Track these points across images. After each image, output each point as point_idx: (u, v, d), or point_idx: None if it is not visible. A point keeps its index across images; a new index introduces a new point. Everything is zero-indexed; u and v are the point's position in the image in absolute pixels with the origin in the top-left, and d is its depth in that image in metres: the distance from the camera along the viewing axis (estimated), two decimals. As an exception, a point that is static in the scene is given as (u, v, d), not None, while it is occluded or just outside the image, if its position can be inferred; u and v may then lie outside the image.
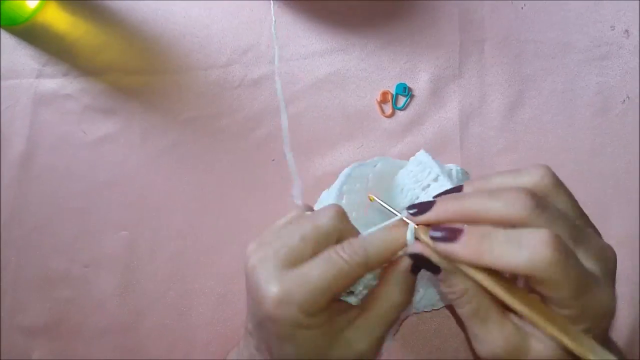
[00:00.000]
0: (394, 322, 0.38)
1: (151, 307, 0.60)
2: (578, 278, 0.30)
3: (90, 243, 0.62)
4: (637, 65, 0.57)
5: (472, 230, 0.33)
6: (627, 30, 0.58)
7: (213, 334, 0.58)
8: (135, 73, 0.65)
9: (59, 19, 0.68)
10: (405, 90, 0.60)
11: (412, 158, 0.51)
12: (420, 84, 0.60)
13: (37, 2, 0.67)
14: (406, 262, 0.37)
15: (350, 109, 0.61)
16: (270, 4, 0.64)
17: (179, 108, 0.64)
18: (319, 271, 0.35)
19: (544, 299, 0.32)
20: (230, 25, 0.65)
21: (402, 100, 0.60)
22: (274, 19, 0.63)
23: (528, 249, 0.30)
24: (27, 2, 0.67)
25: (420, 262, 0.36)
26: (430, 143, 0.59)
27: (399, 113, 0.60)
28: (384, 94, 0.60)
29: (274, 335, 0.36)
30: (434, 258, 0.35)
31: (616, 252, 0.36)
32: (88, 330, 0.60)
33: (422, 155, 0.50)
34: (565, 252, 0.30)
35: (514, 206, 0.32)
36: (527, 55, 0.59)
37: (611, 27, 0.59)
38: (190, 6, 0.66)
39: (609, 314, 0.32)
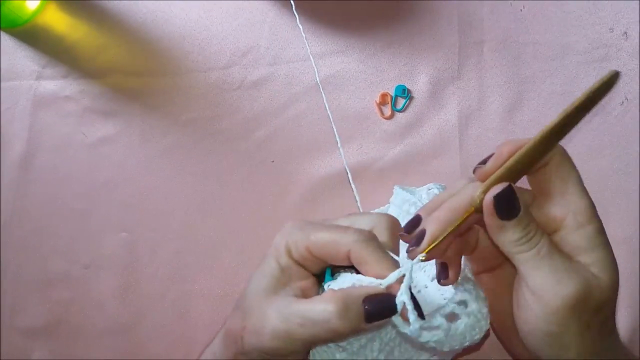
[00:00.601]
0: (314, 338, 0.36)
1: (151, 308, 0.60)
2: None
3: (90, 244, 0.62)
4: (636, 66, 0.57)
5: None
6: (625, 33, 0.58)
7: (213, 334, 0.57)
8: (135, 75, 0.65)
9: (58, 21, 0.68)
10: (404, 92, 0.60)
11: (391, 199, 0.51)
12: (419, 85, 0.60)
13: (37, 3, 0.68)
14: (362, 292, 0.36)
15: (350, 110, 0.61)
16: (291, 3, 0.64)
17: (179, 110, 0.64)
18: (318, 224, 0.38)
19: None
20: (229, 27, 0.65)
21: (401, 102, 0.60)
22: (296, 16, 0.63)
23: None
24: (27, 4, 0.67)
25: (502, 201, 0.36)
26: (429, 145, 0.59)
27: (398, 115, 0.60)
28: (383, 95, 0.61)
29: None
30: (518, 199, 0.36)
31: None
32: (88, 331, 0.60)
33: (399, 193, 0.50)
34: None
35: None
36: (526, 57, 0.59)
37: (610, 29, 0.59)
38: (189, 8, 0.66)
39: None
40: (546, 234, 0.36)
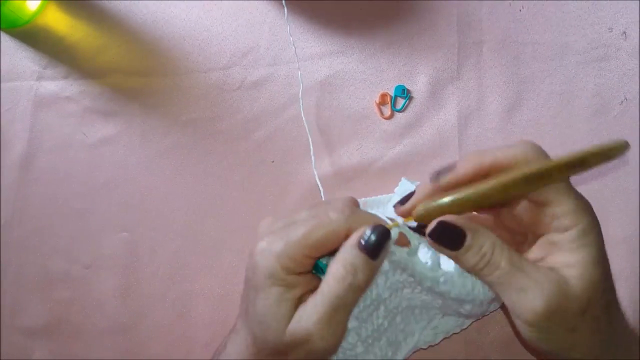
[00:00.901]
0: (343, 302, 0.37)
1: (151, 308, 0.60)
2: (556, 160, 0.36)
3: (90, 244, 0.62)
4: (635, 66, 0.57)
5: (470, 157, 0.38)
6: (625, 32, 0.58)
7: (213, 334, 0.58)
8: (135, 75, 0.66)
9: (59, 21, 0.68)
10: (404, 92, 0.60)
11: (396, 189, 0.51)
12: (419, 85, 0.61)
13: (38, 4, 0.68)
14: (353, 239, 0.37)
15: (349, 110, 0.61)
16: (282, 3, 0.64)
17: (179, 110, 0.64)
18: (302, 227, 0.38)
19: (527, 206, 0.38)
20: (229, 28, 0.65)
21: (400, 102, 0.61)
22: (285, 13, 0.63)
23: (519, 144, 0.37)
24: (27, 4, 0.67)
25: (441, 236, 0.37)
26: (429, 145, 0.59)
27: (397, 115, 0.61)
28: (383, 95, 0.61)
29: (252, 288, 0.39)
30: (460, 222, 0.37)
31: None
32: (88, 331, 0.61)
33: (404, 184, 0.51)
34: (545, 153, 0.37)
35: (524, 148, 0.37)
36: (525, 57, 0.59)
37: (609, 29, 0.59)
38: (190, 8, 0.67)
39: (588, 205, 0.37)
40: (510, 248, 0.37)
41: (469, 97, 0.60)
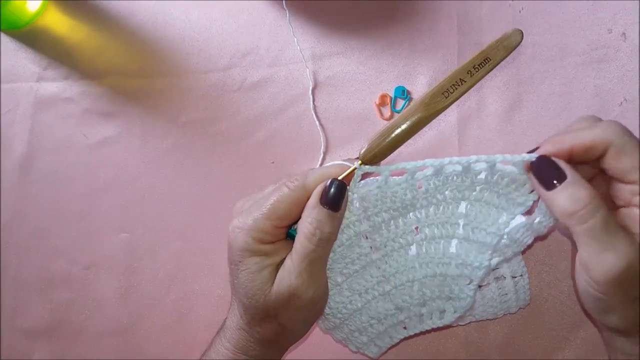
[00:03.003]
0: (316, 255, 0.40)
1: (151, 309, 0.60)
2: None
3: (90, 245, 0.62)
4: (635, 67, 0.57)
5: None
6: (624, 33, 0.58)
7: (213, 335, 0.58)
8: (135, 76, 0.66)
9: (59, 23, 0.68)
10: (403, 93, 0.60)
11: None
12: (418, 86, 0.61)
13: (38, 5, 0.68)
14: (314, 199, 0.40)
15: (349, 112, 0.61)
16: (283, 3, 0.64)
17: (179, 111, 0.64)
18: (267, 201, 0.41)
19: (609, 177, 0.40)
20: (229, 29, 0.65)
21: (400, 103, 0.61)
22: (287, 15, 0.63)
23: (603, 125, 0.39)
24: (27, 5, 0.67)
25: (541, 170, 0.40)
26: (429, 146, 0.59)
27: (397, 116, 0.60)
28: (383, 97, 0.61)
29: (233, 264, 0.42)
30: (562, 164, 0.39)
31: None
32: (88, 331, 0.61)
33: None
34: (630, 133, 0.38)
35: (608, 129, 0.38)
36: (525, 58, 0.59)
37: (608, 30, 0.59)
38: (190, 10, 0.66)
39: None
40: (607, 207, 0.38)
41: (468, 98, 0.60)
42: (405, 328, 0.50)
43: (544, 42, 0.60)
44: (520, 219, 0.45)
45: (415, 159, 0.58)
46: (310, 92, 0.61)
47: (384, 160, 0.43)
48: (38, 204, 0.64)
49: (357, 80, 0.62)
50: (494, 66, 0.41)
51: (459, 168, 0.43)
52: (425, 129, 0.59)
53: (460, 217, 0.46)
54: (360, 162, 0.41)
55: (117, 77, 0.66)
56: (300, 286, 0.40)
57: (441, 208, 0.46)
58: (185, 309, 0.59)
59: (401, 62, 0.62)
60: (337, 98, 0.62)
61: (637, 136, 0.56)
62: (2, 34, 0.69)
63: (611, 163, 0.39)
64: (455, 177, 0.43)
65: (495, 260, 0.46)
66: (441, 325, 0.50)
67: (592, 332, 0.53)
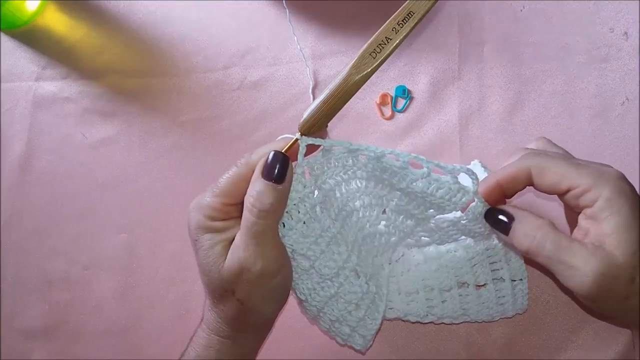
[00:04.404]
0: (260, 227, 0.41)
1: (150, 309, 0.60)
2: (565, 157, 0.42)
3: (89, 245, 0.62)
4: (636, 67, 0.57)
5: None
6: (626, 33, 0.58)
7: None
8: (134, 76, 0.65)
9: (58, 22, 0.68)
10: (404, 93, 0.60)
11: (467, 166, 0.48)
12: (419, 86, 0.60)
13: (37, 5, 0.68)
14: (256, 172, 0.41)
15: (350, 111, 0.61)
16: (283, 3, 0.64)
17: (178, 110, 0.64)
18: (221, 179, 0.43)
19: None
20: (229, 28, 0.65)
21: (401, 103, 0.60)
22: (287, 14, 0.63)
23: (520, 153, 0.43)
24: (26, 5, 0.67)
25: (493, 221, 0.43)
26: (430, 145, 0.59)
27: (398, 115, 0.60)
28: (383, 96, 0.60)
29: (192, 243, 0.43)
30: (507, 208, 0.42)
31: None
32: (87, 332, 0.60)
33: (476, 166, 0.53)
34: (548, 148, 0.44)
35: (525, 155, 0.42)
36: (526, 57, 0.59)
37: (610, 29, 0.59)
38: (189, 9, 0.66)
39: (611, 174, 0.39)
40: (555, 229, 0.40)
41: (470, 97, 0.59)
42: (380, 301, 0.49)
43: (545, 41, 0.59)
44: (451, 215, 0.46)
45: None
46: (310, 91, 0.61)
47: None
48: (37, 203, 0.64)
49: (358, 80, 0.62)
50: (419, 20, 0.40)
51: (396, 164, 0.43)
52: (426, 128, 0.60)
53: (393, 198, 0.47)
54: (299, 133, 0.42)
55: (116, 77, 0.66)
56: (247, 259, 0.41)
57: (379, 186, 0.46)
58: (184, 309, 0.59)
59: (402, 61, 0.61)
60: (337, 97, 0.61)
61: (638, 136, 0.56)
62: (1, 33, 0.69)
63: (540, 183, 0.41)
64: (391, 172, 0.44)
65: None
66: (385, 278, 0.50)
67: (594, 334, 0.52)
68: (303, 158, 0.42)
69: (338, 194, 0.46)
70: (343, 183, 0.46)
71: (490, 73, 0.60)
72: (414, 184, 0.43)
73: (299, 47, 0.61)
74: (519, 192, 0.43)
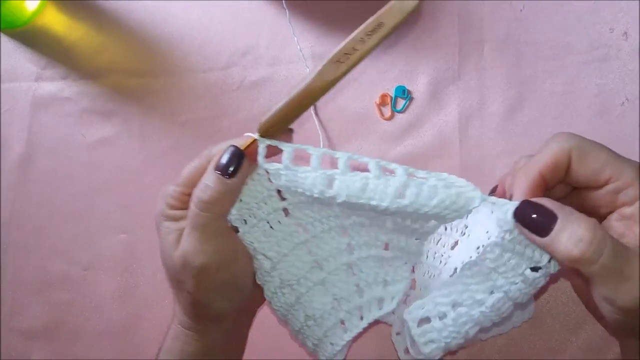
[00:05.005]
0: (200, 220, 0.40)
1: (150, 310, 0.60)
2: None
3: (89, 246, 0.62)
4: (636, 67, 0.57)
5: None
6: (626, 33, 0.58)
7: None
8: (134, 75, 0.65)
9: (57, 22, 0.68)
10: (404, 93, 0.60)
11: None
12: (419, 86, 0.60)
13: (36, 5, 0.67)
14: (211, 164, 0.41)
15: (349, 111, 0.61)
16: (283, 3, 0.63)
17: (178, 110, 0.64)
18: (184, 169, 0.43)
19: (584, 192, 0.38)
20: (229, 28, 0.65)
21: (401, 103, 0.60)
22: (287, 14, 0.63)
23: (555, 138, 0.38)
24: (26, 5, 0.67)
25: (527, 219, 0.35)
26: (430, 146, 0.59)
27: (398, 116, 0.60)
28: (383, 96, 0.60)
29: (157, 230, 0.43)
30: (546, 203, 0.35)
31: None
32: (87, 332, 0.60)
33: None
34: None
35: (563, 138, 0.38)
36: (526, 57, 0.59)
37: (610, 29, 0.58)
38: (189, 8, 0.66)
39: None
40: (609, 234, 0.34)
41: (470, 97, 0.59)
42: (345, 329, 0.45)
43: (546, 41, 0.59)
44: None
45: (416, 160, 0.58)
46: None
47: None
48: (36, 203, 0.64)
49: (358, 80, 0.62)
50: (388, 32, 0.39)
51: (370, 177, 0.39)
52: (426, 128, 0.59)
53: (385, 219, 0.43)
54: (258, 133, 0.41)
55: (115, 77, 0.66)
56: (187, 251, 0.40)
57: (363, 213, 0.42)
58: (185, 309, 0.59)
59: (402, 61, 0.61)
60: (337, 97, 0.61)
61: (638, 136, 0.56)
62: (1, 34, 0.69)
63: (579, 170, 0.36)
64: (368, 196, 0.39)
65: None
66: (381, 316, 0.45)
67: (594, 334, 0.52)
68: (264, 160, 0.41)
69: (315, 207, 0.43)
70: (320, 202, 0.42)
71: (490, 73, 0.59)
72: (398, 200, 0.38)
73: (298, 47, 0.61)
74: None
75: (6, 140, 0.66)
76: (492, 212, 0.41)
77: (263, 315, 0.55)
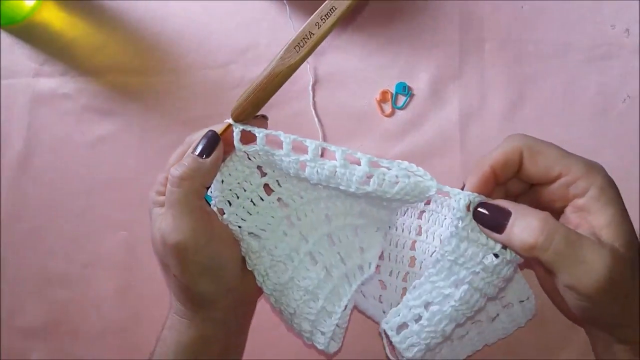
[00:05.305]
0: (175, 197, 0.42)
1: (150, 308, 0.60)
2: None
3: (89, 243, 0.62)
4: (637, 64, 0.57)
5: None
6: (627, 30, 0.58)
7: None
8: (133, 73, 0.65)
9: (56, 18, 0.67)
10: (405, 90, 0.60)
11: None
12: (420, 83, 0.60)
13: (35, 1, 0.67)
14: (190, 148, 0.43)
15: (350, 108, 0.61)
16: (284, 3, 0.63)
17: (178, 108, 0.63)
18: (170, 157, 0.45)
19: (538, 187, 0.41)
20: (228, 25, 0.65)
21: (401, 100, 0.60)
22: (287, 10, 0.63)
23: (509, 137, 0.42)
24: (24, 1, 0.66)
25: (484, 218, 0.39)
26: (430, 142, 0.59)
27: (398, 112, 0.60)
28: (384, 93, 0.60)
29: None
30: (500, 202, 0.39)
31: None
32: (86, 331, 0.60)
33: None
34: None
35: (515, 137, 0.41)
36: (527, 55, 0.59)
37: (611, 26, 0.58)
38: (189, 6, 0.66)
39: (598, 165, 0.39)
40: (560, 223, 0.37)
41: (470, 95, 0.59)
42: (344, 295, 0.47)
43: (546, 39, 0.59)
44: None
45: (416, 157, 0.58)
46: (310, 87, 0.61)
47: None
48: (35, 201, 0.64)
49: (358, 77, 0.61)
50: (342, 15, 0.41)
51: (336, 165, 0.42)
52: (427, 125, 0.59)
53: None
54: (231, 119, 0.44)
55: (115, 74, 0.65)
56: (165, 229, 0.41)
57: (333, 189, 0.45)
58: (185, 307, 0.59)
59: (402, 58, 0.61)
60: (337, 94, 0.61)
61: (639, 134, 0.56)
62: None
63: (531, 167, 0.39)
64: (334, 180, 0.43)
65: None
66: (365, 278, 0.47)
67: (594, 331, 0.52)
68: (240, 143, 0.44)
69: (295, 181, 0.46)
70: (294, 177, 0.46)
71: (491, 71, 0.59)
72: (364, 187, 0.42)
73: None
74: None
75: (5, 137, 0.66)
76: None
77: (264, 314, 0.55)
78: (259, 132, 0.44)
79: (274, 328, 0.57)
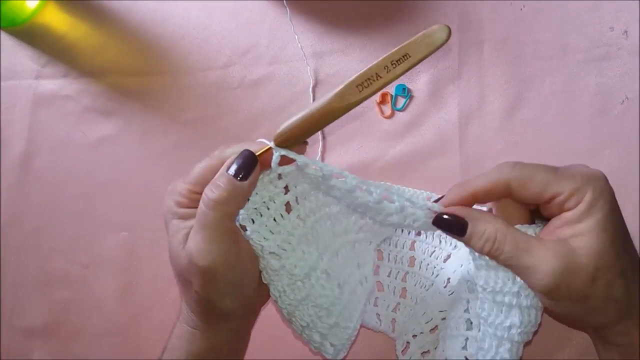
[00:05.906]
0: (209, 219, 0.40)
1: (151, 308, 0.60)
2: (542, 165, 0.39)
3: (90, 244, 0.62)
4: (636, 65, 0.57)
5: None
6: (626, 31, 0.58)
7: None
8: (134, 74, 0.65)
9: (58, 20, 0.68)
10: (404, 91, 0.60)
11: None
12: (419, 85, 0.60)
13: (37, 3, 0.67)
14: (224, 165, 0.41)
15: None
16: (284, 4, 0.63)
17: (179, 109, 0.64)
18: (194, 168, 0.43)
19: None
20: (229, 27, 0.65)
21: (401, 101, 0.60)
22: (288, 12, 0.63)
23: (496, 167, 0.40)
24: (26, 3, 0.67)
25: (444, 225, 0.41)
26: (430, 144, 0.59)
27: (398, 114, 0.60)
28: (383, 95, 0.60)
29: (165, 228, 0.44)
30: (460, 212, 0.40)
31: None
32: (87, 331, 0.60)
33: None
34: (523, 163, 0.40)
35: (502, 168, 0.40)
36: (526, 56, 0.59)
37: (610, 28, 0.59)
38: (189, 7, 0.66)
39: (595, 175, 0.39)
40: (512, 228, 0.39)
41: (469, 96, 0.59)
42: (354, 310, 0.48)
43: (545, 40, 0.59)
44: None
45: (416, 158, 0.58)
46: (311, 90, 0.61)
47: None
48: (37, 202, 0.64)
49: (358, 78, 0.61)
50: (414, 64, 0.39)
51: (370, 200, 0.43)
52: (426, 127, 0.60)
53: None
54: (274, 142, 0.42)
55: (116, 75, 0.66)
56: (194, 251, 0.40)
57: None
58: (185, 307, 0.59)
59: (402, 60, 0.61)
60: (337, 96, 0.61)
61: (638, 135, 0.56)
62: (1, 31, 0.69)
63: (522, 193, 0.39)
64: (366, 207, 0.44)
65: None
66: (367, 290, 0.49)
67: (594, 331, 0.52)
68: (277, 166, 0.42)
69: (312, 197, 0.46)
70: (319, 192, 0.46)
71: (490, 72, 0.60)
72: (389, 218, 0.43)
73: (299, 45, 0.61)
74: None
75: (7, 138, 0.66)
76: None
77: (263, 315, 0.55)
78: (300, 159, 0.42)
79: (274, 328, 0.57)
